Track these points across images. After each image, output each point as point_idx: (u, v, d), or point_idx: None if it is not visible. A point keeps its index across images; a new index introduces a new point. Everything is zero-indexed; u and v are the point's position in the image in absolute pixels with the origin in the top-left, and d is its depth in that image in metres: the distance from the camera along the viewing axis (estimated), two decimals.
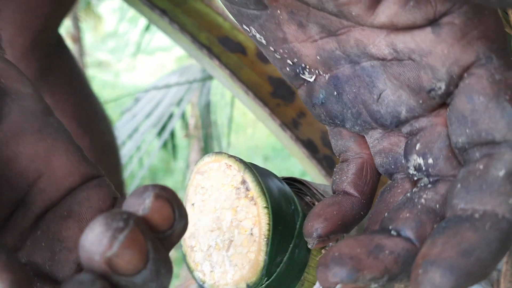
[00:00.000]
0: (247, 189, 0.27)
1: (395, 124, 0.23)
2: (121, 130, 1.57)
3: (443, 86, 0.20)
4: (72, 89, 0.67)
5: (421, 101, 0.21)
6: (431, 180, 0.21)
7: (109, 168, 0.71)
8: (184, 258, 0.29)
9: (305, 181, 0.32)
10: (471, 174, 0.19)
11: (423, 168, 0.22)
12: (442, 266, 0.17)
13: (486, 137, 0.19)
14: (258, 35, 0.24)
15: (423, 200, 0.21)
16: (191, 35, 0.57)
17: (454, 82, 0.20)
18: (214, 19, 0.59)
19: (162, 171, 3.14)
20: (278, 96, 0.59)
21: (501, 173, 0.18)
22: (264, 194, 0.27)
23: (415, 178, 0.22)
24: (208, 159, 0.29)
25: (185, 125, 1.90)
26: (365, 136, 0.25)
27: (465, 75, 0.20)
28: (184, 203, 0.30)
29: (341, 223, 0.23)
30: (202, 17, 0.59)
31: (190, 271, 0.29)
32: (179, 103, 1.67)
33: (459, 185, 0.19)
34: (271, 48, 0.24)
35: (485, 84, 0.19)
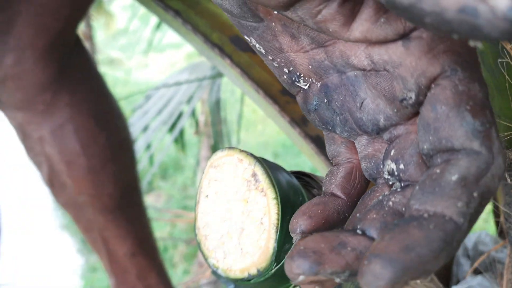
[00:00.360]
0: (258, 182, 0.29)
1: (376, 131, 0.24)
2: (132, 127, 1.59)
3: (413, 96, 0.22)
4: (89, 88, 0.69)
5: (395, 110, 0.23)
6: (402, 184, 0.22)
7: (124, 164, 0.73)
8: (199, 246, 0.31)
9: (312, 174, 0.34)
10: (428, 177, 0.20)
11: (395, 173, 0.23)
12: (383, 259, 0.18)
13: (446, 144, 0.20)
14: (257, 45, 0.25)
15: (390, 203, 0.22)
16: (204, 35, 0.58)
17: (423, 92, 0.21)
18: (226, 19, 0.61)
19: (172, 167, 3.16)
20: (287, 93, 0.61)
21: (454, 177, 0.19)
22: (273, 186, 0.29)
23: (390, 183, 0.23)
24: (221, 153, 0.31)
25: (195, 122, 1.92)
26: (354, 142, 0.26)
27: (432, 85, 0.21)
28: (198, 195, 0.32)
29: (324, 221, 0.24)
30: (214, 17, 0.60)
31: (205, 258, 0.31)
32: (189, 100, 1.68)
33: (417, 188, 0.20)
34: (270, 57, 0.26)
35: (448, 95, 0.20)
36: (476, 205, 0.19)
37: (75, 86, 0.66)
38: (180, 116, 1.64)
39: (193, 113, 1.81)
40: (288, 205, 0.29)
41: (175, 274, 1.86)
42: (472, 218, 0.19)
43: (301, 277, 0.20)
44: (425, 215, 0.19)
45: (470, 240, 0.64)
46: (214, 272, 0.31)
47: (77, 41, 0.68)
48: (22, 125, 0.66)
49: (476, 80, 0.21)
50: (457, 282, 0.62)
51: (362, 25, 0.22)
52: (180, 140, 1.76)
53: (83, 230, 0.73)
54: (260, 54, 0.26)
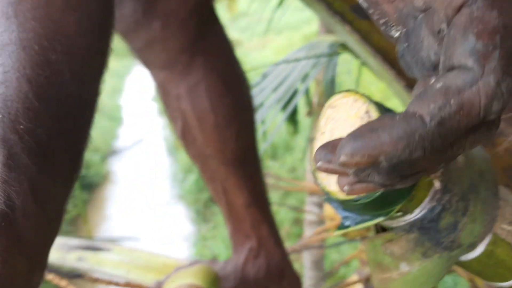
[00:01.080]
0: (370, 118, 0.33)
1: (432, 68, 0.26)
2: None
3: (445, 26, 0.24)
4: (220, 53, 0.77)
5: (437, 43, 0.25)
6: None
7: (246, 124, 0.81)
8: (313, 175, 0.36)
9: None
10: (425, 87, 0.23)
11: None
12: (352, 135, 0.22)
13: (449, 62, 0.22)
14: (364, 3, 0.29)
15: None
16: (327, 4, 0.63)
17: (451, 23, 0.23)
18: None
19: (282, 148, 3.24)
20: None
21: (439, 85, 0.21)
22: None
23: None
24: (338, 95, 0.36)
25: (309, 102, 1.95)
26: None
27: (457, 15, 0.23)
28: (315, 133, 0.37)
29: None
30: None
31: (319, 184, 0.36)
32: (304, 78, 1.71)
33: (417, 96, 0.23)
34: (371, 11, 0.29)
35: (462, 20, 0.22)
36: (450, 112, 0.21)
37: (209, 50, 0.74)
38: (294, 94, 1.68)
39: (306, 93, 1.84)
40: None
41: None
42: (444, 122, 0.21)
43: (320, 163, 0.26)
44: (404, 112, 0.22)
45: None
46: (327, 196, 0.36)
47: (212, 11, 0.76)
48: (163, 82, 0.76)
49: (496, 8, 0.22)
50: None
51: None
52: (292, 119, 1.81)
53: (207, 180, 0.83)
54: (366, 9, 0.29)
